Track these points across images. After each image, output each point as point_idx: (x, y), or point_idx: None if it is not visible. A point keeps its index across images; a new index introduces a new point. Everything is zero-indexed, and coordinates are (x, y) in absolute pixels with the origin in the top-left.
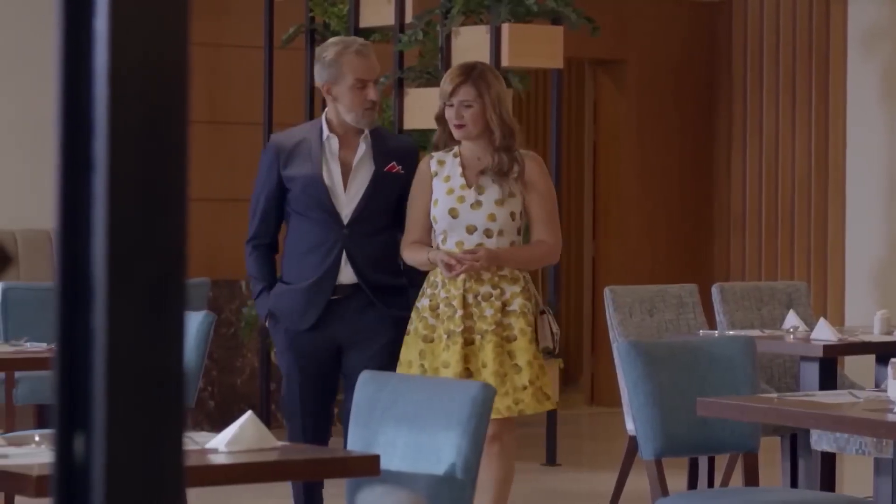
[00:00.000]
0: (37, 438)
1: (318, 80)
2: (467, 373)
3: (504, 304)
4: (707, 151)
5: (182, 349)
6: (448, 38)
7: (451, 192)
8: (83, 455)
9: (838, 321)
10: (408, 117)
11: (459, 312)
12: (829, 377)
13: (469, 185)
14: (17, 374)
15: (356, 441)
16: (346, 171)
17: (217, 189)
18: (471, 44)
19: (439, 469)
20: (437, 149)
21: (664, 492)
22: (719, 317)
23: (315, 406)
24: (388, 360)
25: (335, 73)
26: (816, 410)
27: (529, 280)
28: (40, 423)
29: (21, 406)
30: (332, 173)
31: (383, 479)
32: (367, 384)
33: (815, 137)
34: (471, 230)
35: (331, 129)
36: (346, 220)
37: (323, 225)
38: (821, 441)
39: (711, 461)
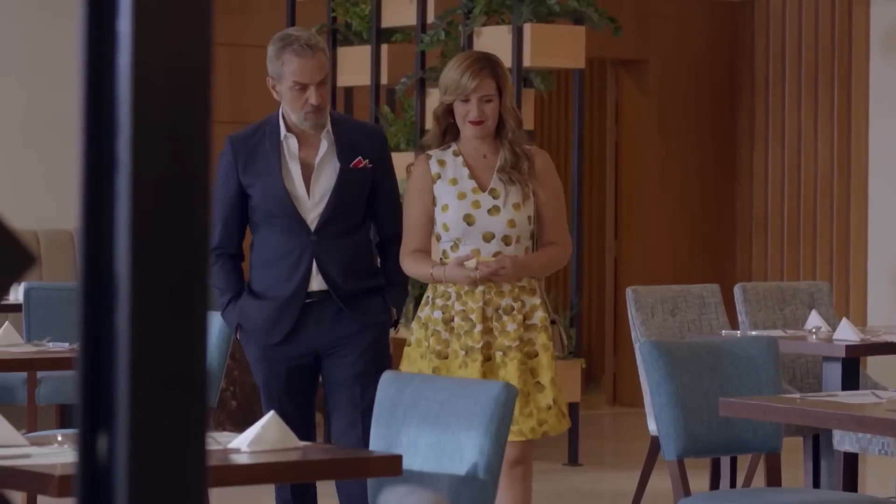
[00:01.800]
0: (59, 438)
1: (269, 73)
2: None
3: (524, 318)
4: (729, 151)
5: (205, 349)
6: (470, 39)
7: (462, 196)
8: (106, 455)
9: (861, 321)
10: (429, 117)
11: (479, 327)
12: (852, 377)
13: (483, 189)
14: (40, 374)
15: (378, 441)
16: (307, 173)
17: None
18: (493, 44)
19: (461, 469)
20: (427, 148)
21: (686, 492)
22: (741, 317)
23: (296, 414)
24: (370, 365)
25: (276, 70)
26: (839, 411)
27: (543, 289)
28: (62, 423)
29: (43, 406)
30: (292, 177)
31: (405, 479)
32: (389, 384)
33: (837, 137)
34: (488, 238)
35: (288, 127)
36: (312, 227)
37: (288, 233)
38: (843, 441)
39: (734, 461)
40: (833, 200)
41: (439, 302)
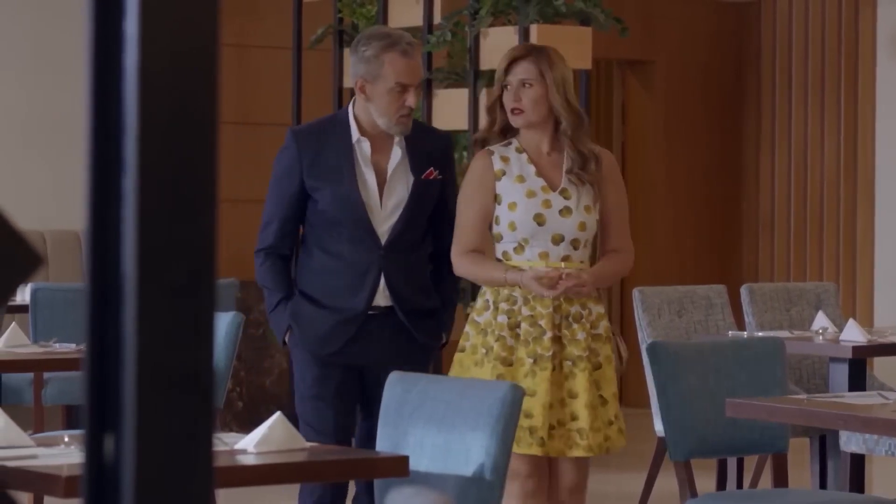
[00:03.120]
0: (66, 439)
1: (352, 74)
2: (560, 403)
3: (591, 326)
4: (735, 152)
5: (212, 350)
6: (476, 39)
7: (532, 194)
8: (113, 456)
9: (867, 322)
10: (436, 118)
11: (548, 334)
12: (859, 378)
13: (553, 188)
14: (46, 375)
15: (385, 441)
16: (380, 182)
17: (246, 190)
18: (499, 44)
19: (468, 470)
20: (482, 144)
21: (693, 493)
22: (748, 318)
23: (346, 415)
24: None
25: (374, 71)
26: (845, 412)
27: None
28: (69, 424)
29: (50, 406)
30: (367, 186)
31: (412, 479)
32: (395, 385)
33: (843, 138)
34: (557, 240)
35: (360, 130)
36: (383, 240)
37: (354, 243)
38: (850, 442)
39: (740, 462)
40: (839, 201)
41: (504, 306)
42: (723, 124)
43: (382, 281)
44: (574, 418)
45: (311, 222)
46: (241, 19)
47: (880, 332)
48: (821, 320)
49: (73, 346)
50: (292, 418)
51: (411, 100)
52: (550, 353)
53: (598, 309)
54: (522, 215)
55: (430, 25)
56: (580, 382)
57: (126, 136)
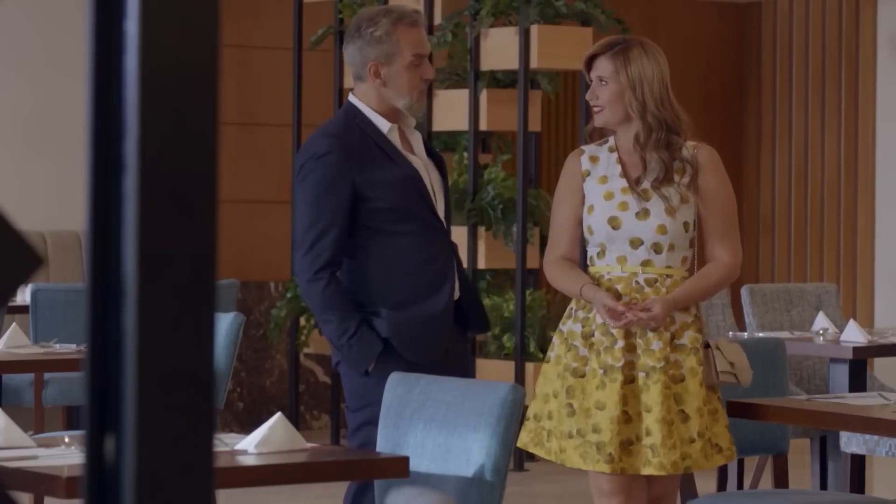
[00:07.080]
0: (66, 440)
1: (361, 59)
2: (626, 416)
3: (672, 337)
4: (736, 152)
5: (212, 350)
6: (477, 40)
7: (610, 196)
8: (113, 456)
9: (868, 323)
10: (437, 119)
11: (620, 344)
12: (859, 379)
13: (632, 189)
14: (47, 376)
15: (385, 442)
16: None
17: (247, 190)
18: (500, 45)
19: (468, 471)
20: (591, 137)
21: (693, 494)
22: (748, 318)
23: None
24: None
25: (388, 49)
26: (846, 412)
27: (700, 306)
28: (69, 425)
29: (50, 407)
30: (419, 171)
31: (412, 480)
32: (396, 385)
33: (844, 138)
34: (636, 244)
35: (386, 119)
36: (446, 226)
37: (429, 233)
38: (850, 443)
39: (741, 463)
40: (840, 202)
41: (580, 314)
42: (724, 125)
43: (455, 269)
44: (648, 433)
45: (370, 226)
46: (242, 20)
47: (881, 332)
48: (821, 321)
49: (73, 346)
50: (292, 419)
51: (429, 72)
52: (621, 364)
53: (684, 318)
54: (597, 219)
55: (430, 26)
56: (653, 396)
57: (126, 136)
